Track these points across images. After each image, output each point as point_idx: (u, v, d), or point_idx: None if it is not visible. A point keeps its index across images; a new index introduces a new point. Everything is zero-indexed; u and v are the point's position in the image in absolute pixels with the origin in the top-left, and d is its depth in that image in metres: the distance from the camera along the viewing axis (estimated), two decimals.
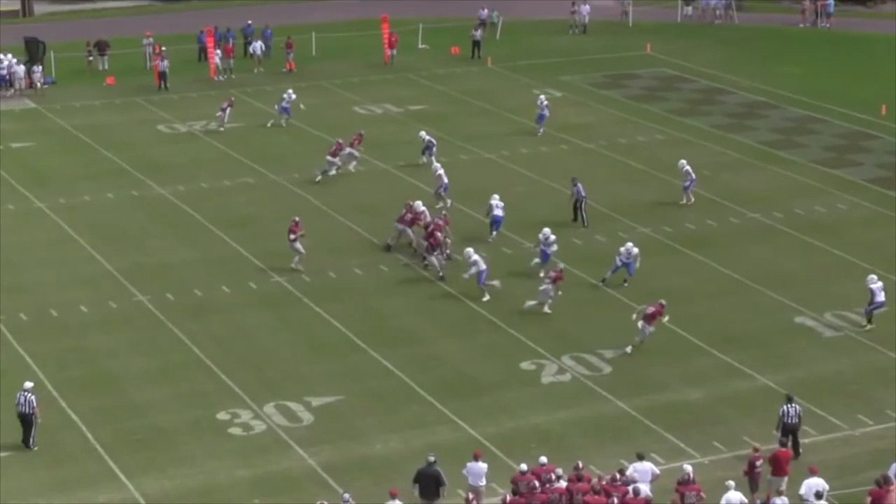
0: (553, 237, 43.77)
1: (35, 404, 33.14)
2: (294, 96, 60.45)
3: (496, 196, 47.13)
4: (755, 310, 41.82)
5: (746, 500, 29.48)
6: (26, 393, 33.21)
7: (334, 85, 68.41)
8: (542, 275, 42.29)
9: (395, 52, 73.01)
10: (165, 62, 67.06)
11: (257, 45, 71.13)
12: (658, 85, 69.19)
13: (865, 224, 48.84)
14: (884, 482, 29.33)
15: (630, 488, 29.12)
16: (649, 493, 29.43)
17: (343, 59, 73.48)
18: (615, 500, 28.58)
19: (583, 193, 48.38)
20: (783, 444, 31.30)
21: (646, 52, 75.42)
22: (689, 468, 29.91)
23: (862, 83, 68.44)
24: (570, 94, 67.20)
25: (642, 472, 29.96)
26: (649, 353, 38.83)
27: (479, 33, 73.65)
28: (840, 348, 39.25)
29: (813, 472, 29.85)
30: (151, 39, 71.50)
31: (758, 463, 30.54)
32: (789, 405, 33.08)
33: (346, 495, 28.90)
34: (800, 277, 44.09)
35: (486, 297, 42.00)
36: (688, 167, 50.59)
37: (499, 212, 46.83)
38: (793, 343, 39.57)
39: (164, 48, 68.07)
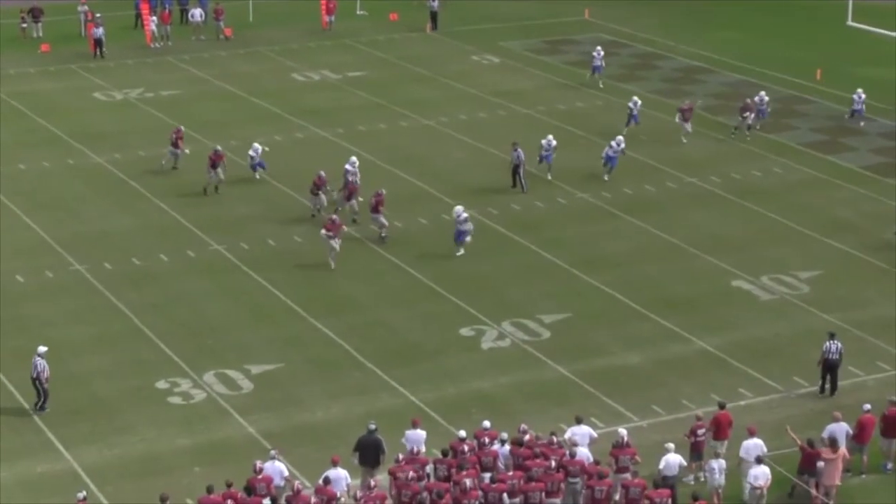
0: (465, 215, 42.91)
1: (40, 369, 33.25)
2: (261, 149, 49.61)
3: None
4: (693, 274, 42.12)
5: (685, 462, 29.75)
6: (38, 357, 33.39)
7: (272, 52, 68.01)
8: (459, 253, 42.55)
9: (333, 18, 72.63)
10: (100, 29, 66.35)
11: (196, 12, 70.55)
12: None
13: (801, 188, 49.25)
14: (830, 443, 29.73)
15: (567, 451, 29.31)
16: (589, 455, 29.59)
17: (281, 26, 73.03)
18: (553, 463, 28.73)
19: (522, 158, 48.43)
20: (722, 406, 31.53)
21: (584, 18, 75.48)
22: (623, 432, 30.10)
23: (797, 48, 68.89)
24: (508, 59, 67.17)
25: (580, 436, 30.13)
26: (588, 317, 39.04)
27: (436, 3, 73.16)
28: (776, 311, 39.62)
29: (752, 434, 30.15)
30: (86, 6, 70.71)
31: (700, 431, 30.74)
32: (831, 341, 34.00)
33: (273, 452, 29.23)
34: (737, 242, 44.42)
35: (461, 252, 42.79)
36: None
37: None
38: (730, 306, 39.90)
39: (98, 15, 67.36)
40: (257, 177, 48.98)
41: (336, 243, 41.72)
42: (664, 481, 29.06)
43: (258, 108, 58.02)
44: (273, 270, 41.86)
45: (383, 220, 43.66)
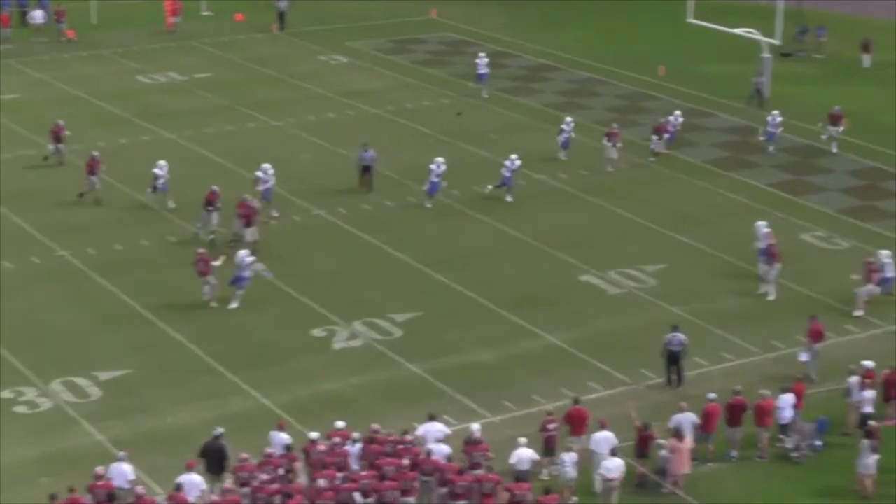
0: (249, 259, 39.24)
1: None
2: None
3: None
4: (542, 270, 42.48)
5: (537, 457, 29.99)
6: None
7: (117, 54, 67.12)
8: (232, 306, 39.26)
9: (178, 19, 71.90)
10: None
11: (37, 14, 69.26)
12: (444, 49, 69.61)
13: (646, 183, 49.96)
14: (675, 433, 30.24)
15: (423, 449, 29.40)
16: (447, 452, 29.64)
17: (125, 27, 72.09)
18: (406, 462, 28.77)
19: (374, 159, 48.39)
20: (576, 402, 31.85)
21: (431, 17, 75.74)
22: (474, 428, 30.29)
23: (641, 45, 69.90)
24: (356, 59, 67.16)
25: (433, 433, 30.23)
26: (440, 315, 39.16)
27: (284, 4, 72.73)
28: (624, 305, 40.15)
29: (602, 426, 30.52)
30: None
31: (550, 426, 31.02)
32: (673, 333, 34.75)
33: (122, 454, 28.96)
34: (584, 237, 44.90)
35: (234, 305, 39.23)
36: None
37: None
38: (579, 301, 40.33)
39: None
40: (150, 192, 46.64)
41: (212, 279, 39.27)
42: (516, 476, 29.28)
43: (103, 111, 57.20)
44: (120, 275, 41.26)
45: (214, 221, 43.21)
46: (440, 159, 47.12)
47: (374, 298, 40.17)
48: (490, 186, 47.97)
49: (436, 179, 46.75)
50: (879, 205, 47.92)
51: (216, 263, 39.09)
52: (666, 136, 52.45)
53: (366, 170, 48.53)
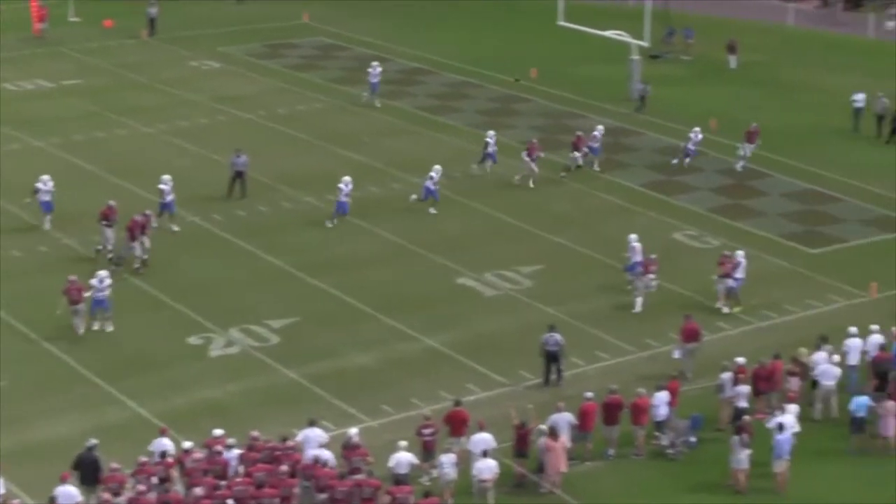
0: (108, 281, 38.27)
1: None
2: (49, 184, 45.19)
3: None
4: (419, 274, 42.58)
5: (416, 461, 30.05)
6: None
7: None
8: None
9: (45, 25, 70.84)
10: None
11: None
12: (316, 54, 69.46)
13: (521, 185, 50.17)
14: (550, 432, 30.49)
15: (312, 455, 29.37)
16: (330, 457, 29.60)
17: None
18: (285, 468, 28.68)
19: (246, 164, 48.11)
20: (457, 403, 31.96)
21: (303, 21, 75.53)
22: (352, 432, 30.31)
23: (513, 48, 70.36)
24: (228, 64, 66.75)
25: (312, 439, 30.18)
26: (317, 320, 39.08)
27: (154, 10, 71.93)
28: (501, 307, 40.38)
29: (481, 428, 30.69)
30: None
31: (425, 431, 31.10)
32: (550, 333, 35.04)
33: None
34: (460, 240, 45.06)
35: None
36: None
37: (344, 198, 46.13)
38: (456, 304, 40.49)
39: None
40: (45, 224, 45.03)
41: (81, 308, 37.88)
42: (396, 479, 29.34)
43: None
44: None
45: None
46: (347, 178, 46.28)
47: (250, 305, 39.96)
48: (414, 197, 47.57)
49: (344, 199, 45.80)
50: (748, 203, 48.77)
51: (87, 294, 38.20)
52: (584, 151, 51.02)
53: (238, 175, 48.22)
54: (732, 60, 67.20)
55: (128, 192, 47.96)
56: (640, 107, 58.82)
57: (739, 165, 51.50)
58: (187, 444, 29.51)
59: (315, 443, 30.09)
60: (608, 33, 61.57)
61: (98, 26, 72.80)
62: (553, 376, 35.51)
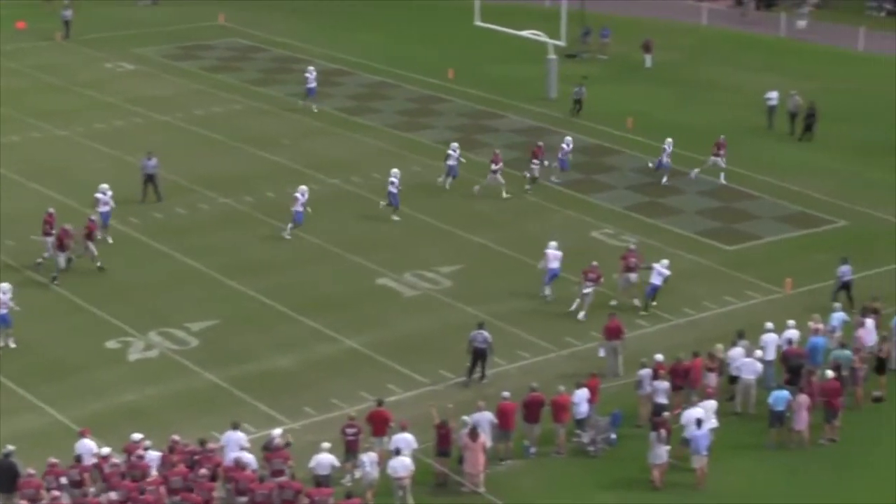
0: (10, 294, 37.27)
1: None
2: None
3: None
4: (339, 275, 42.52)
5: (337, 463, 30.01)
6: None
7: None
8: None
9: None
10: None
11: None
12: (233, 55, 69.17)
13: (440, 186, 50.24)
14: (470, 432, 30.57)
15: (233, 457, 29.29)
16: (252, 460, 29.50)
17: None
18: (205, 471, 28.56)
19: (156, 167, 47.70)
20: (380, 403, 31.96)
21: (218, 23, 75.17)
22: (274, 434, 30.24)
23: (431, 48, 70.47)
24: (143, 66, 66.31)
25: (234, 441, 30.07)
26: (237, 323, 38.93)
27: (69, 13, 71.18)
28: (421, 307, 40.44)
29: (403, 428, 30.72)
30: None
31: (349, 431, 31.10)
32: (478, 331, 35.11)
33: None
34: (379, 240, 45.05)
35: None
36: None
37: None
38: (376, 304, 40.49)
39: None
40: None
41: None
42: (318, 480, 29.31)
43: None
44: None
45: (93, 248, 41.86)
46: (304, 188, 45.56)
47: (169, 308, 39.72)
48: (383, 203, 46.97)
49: (300, 209, 44.95)
50: (665, 201, 49.16)
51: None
52: (543, 161, 49.91)
53: (149, 179, 47.80)
54: (648, 59, 67.76)
55: (43, 196, 47.49)
56: (575, 109, 58.72)
57: (722, 177, 50.38)
58: (105, 450, 29.30)
59: (236, 446, 29.98)
60: (525, 33, 61.85)
61: (11, 28, 72.01)
62: (477, 374, 35.61)
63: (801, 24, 75.17)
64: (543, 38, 61.29)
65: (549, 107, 59.89)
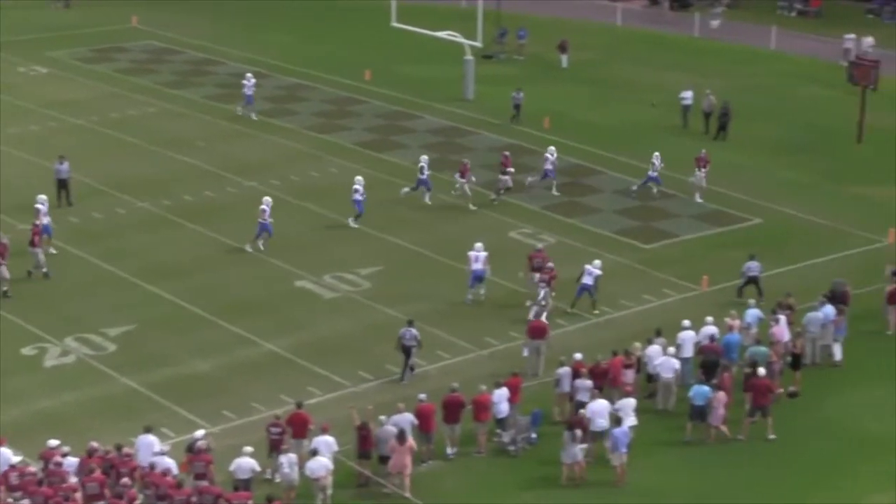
0: None
1: None
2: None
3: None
4: (257, 277, 42.34)
5: (258, 467, 29.89)
6: None
7: None
8: None
9: None
10: None
11: None
12: (147, 58, 68.66)
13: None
14: (399, 438, 30.56)
15: (148, 461, 29.08)
16: (171, 465, 29.32)
17: None
18: (127, 480, 28.34)
19: (68, 171, 47.17)
20: (299, 406, 31.88)
21: (132, 25, 74.57)
22: (196, 436, 30.11)
23: (347, 49, 70.35)
24: (57, 70, 65.64)
25: (145, 445, 29.91)
26: (154, 327, 38.66)
27: None
28: (340, 308, 40.37)
29: (325, 431, 30.66)
30: None
31: (273, 430, 31.05)
32: (407, 328, 35.31)
33: None
34: (299, 242, 44.93)
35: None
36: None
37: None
38: (295, 307, 40.36)
39: None
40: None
41: None
42: (237, 485, 29.19)
43: None
44: None
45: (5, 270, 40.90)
46: (269, 199, 44.71)
47: (85, 313, 39.37)
48: (351, 220, 46.20)
49: (267, 220, 43.95)
50: (582, 200, 49.42)
51: None
52: (512, 171, 48.80)
53: (61, 184, 47.29)
54: (564, 60, 68.09)
55: None
56: (515, 116, 57.97)
57: (697, 197, 49.32)
58: (14, 459, 29.01)
59: (149, 450, 29.79)
60: (441, 34, 61.94)
61: None
62: (407, 371, 35.70)
63: (715, 23, 75.90)
64: (460, 38, 61.41)
65: (466, 107, 60.02)
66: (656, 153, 49.67)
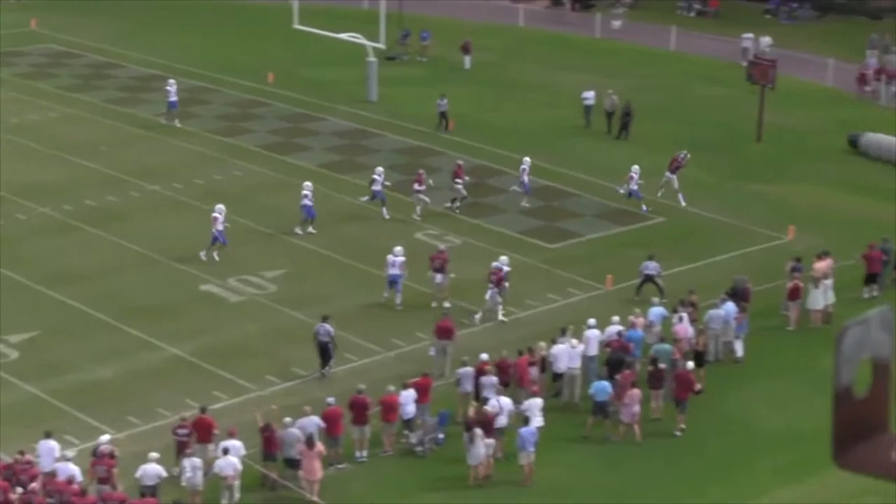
0: None
1: None
2: None
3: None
4: (161, 282, 42.03)
5: (165, 473, 29.69)
6: None
7: None
8: None
9: None
10: None
11: None
12: (47, 61, 67.91)
13: (262, 189, 50.11)
14: (307, 443, 30.48)
15: (49, 467, 28.81)
16: (76, 472, 29.04)
17: None
18: (35, 485, 28.03)
19: None
20: (203, 410, 31.75)
21: (31, 29, 73.67)
22: (100, 440, 29.90)
23: (250, 52, 70.01)
24: None
25: (46, 451, 29.62)
26: (56, 333, 38.26)
27: None
28: (246, 312, 40.19)
29: (231, 435, 30.56)
30: None
31: (180, 431, 30.91)
32: (322, 324, 35.36)
33: None
34: (204, 246, 44.57)
35: None
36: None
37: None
38: (200, 311, 40.13)
39: None
40: None
41: None
42: (143, 491, 28.98)
43: None
44: None
45: None
46: (221, 206, 43.75)
47: None
48: (310, 229, 45.57)
49: (221, 227, 43.21)
50: (488, 200, 49.58)
51: None
52: (466, 179, 48.40)
53: None
54: (467, 61, 68.30)
55: None
56: (441, 124, 57.15)
57: (659, 194, 48.85)
58: None
59: (50, 455, 29.51)
60: (343, 36, 61.88)
61: None
62: (324, 369, 35.66)
63: (616, 24, 76.55)
64: (362, 40, 61.38)
65: (370, 109, 60.01)
66: (635, 166, 48.28)
